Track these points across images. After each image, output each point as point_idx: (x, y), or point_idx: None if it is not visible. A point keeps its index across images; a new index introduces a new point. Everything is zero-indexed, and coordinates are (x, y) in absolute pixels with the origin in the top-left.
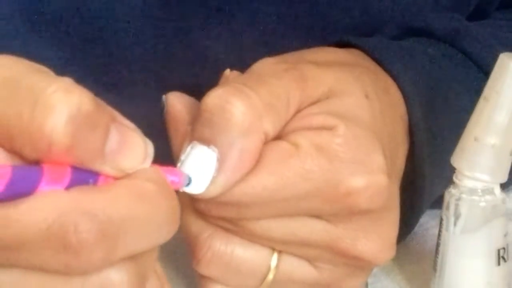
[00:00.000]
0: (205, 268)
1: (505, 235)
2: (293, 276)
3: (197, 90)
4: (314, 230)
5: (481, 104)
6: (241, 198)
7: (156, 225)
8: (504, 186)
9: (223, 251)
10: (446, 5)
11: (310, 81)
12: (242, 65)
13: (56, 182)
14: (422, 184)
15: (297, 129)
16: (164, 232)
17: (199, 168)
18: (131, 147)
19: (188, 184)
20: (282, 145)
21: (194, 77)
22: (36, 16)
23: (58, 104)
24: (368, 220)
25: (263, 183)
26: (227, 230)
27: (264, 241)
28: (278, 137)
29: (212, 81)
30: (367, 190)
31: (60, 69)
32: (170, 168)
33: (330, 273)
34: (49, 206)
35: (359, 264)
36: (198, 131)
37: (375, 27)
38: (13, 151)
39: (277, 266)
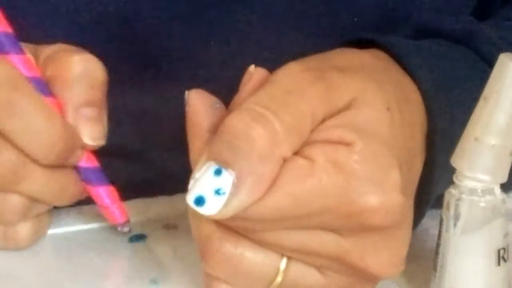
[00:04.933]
0: (213, 269)
1: (505, 235)
2: (301, 282)
3: (236, 72)
4: (324, 241)
5: (481, 104)
6: (256, 216)
7: None
8: (505, 189)
9: (233, 253)
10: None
11: (335, 92)
12: (275, 39)
13: None
14: (430, 186)
15: (315, 142)
16: None
17: (214, 189)
18: (95, 126)
19: (202, 204)
20: (298, 161)
21: (232, 53)
22: (77, 20)
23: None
24: (380, 235)
25: (277, 203)
26: (238, 232)
27: (274, 248)
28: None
29: (251, 60)
30: (381, 209)
31: (102, 47)
32: (121, 205)
33: (337, 282)
34: None
35: (366, 276)
36: (217, 152)
37: (388, 26)
38: None
39: (285, 271)
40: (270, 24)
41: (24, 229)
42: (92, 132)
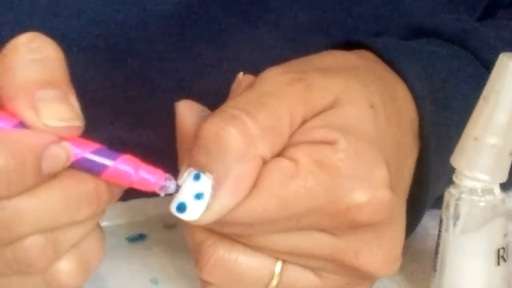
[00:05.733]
0: (208, 275)
1: (505, 235)
2: (297, 284)
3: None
4: (317, 242)
5: (481, 104)
6: (242, 219)
7: None
8: (504, 188)
9: (227, 258)
10: (457, 4)
11: (315, 92)
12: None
13: None
14: (427, 185)
15: (298, 143)
16: None
17: (194, 194)
18: (59, 106)
19: (183, 210)
20: (282, 163)
21: (226, 82)
22: (65, 32)
23: None
24: (372, 233)
25: (263, 205)
26: (231, 238)
27: (268, 252)
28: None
29: None
30: (368, 205)
31: (94, 80)
32: (148, 167)
33: (333, 282)
34: None
35: (362, 275)
36: (194, 157)
37: (390, 26)
38: None
39: (280, 274)
40: (264, 55)
41: (65, 266)
42: (57, 113)
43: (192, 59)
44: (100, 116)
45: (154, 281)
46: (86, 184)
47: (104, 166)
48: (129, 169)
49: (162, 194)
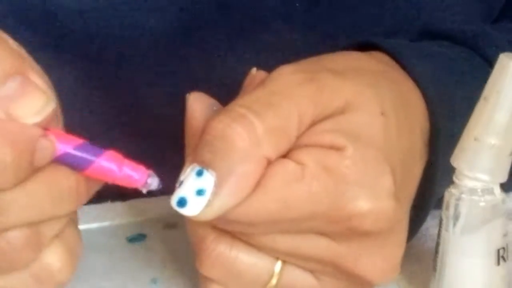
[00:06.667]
0: (208, 270)
1: (505, 235)
2: (295, 285)
3: None
4: (317, 246)
5: (481, 104)
6: (243, 218)
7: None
8: (505, 189)
9: (227, 255)
10: (472, 12)
11: (326, 94)
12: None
13: None
14: (432, 191)
15: (306, 146)
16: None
17: (195, 190)
18: (27, 98)
19: (184, 205)
20: (288, 165)
21: (220, 100)
22: (56, 41)
23: None
24: (372, 241)
25: (266, 206)
26: (233, 235)
27: (268, 251)
28: (287, 152)
29: None
30: (371, 214)
31: (79, 91)
32: (132, 163)
33: (331, 286)
34: None
35: (360, 282)
36: (198, 153)
37: (396, 31)
38: None
39: (280, 274)
40: (282, 49)
41: (53, 257)
42: (30, 107)
43: (183, 76)
44: (94, 125)
45: (154, 281)
46: (69, 178)
47: (89, 162)
48: (113, 165)
49: (144, 191)
